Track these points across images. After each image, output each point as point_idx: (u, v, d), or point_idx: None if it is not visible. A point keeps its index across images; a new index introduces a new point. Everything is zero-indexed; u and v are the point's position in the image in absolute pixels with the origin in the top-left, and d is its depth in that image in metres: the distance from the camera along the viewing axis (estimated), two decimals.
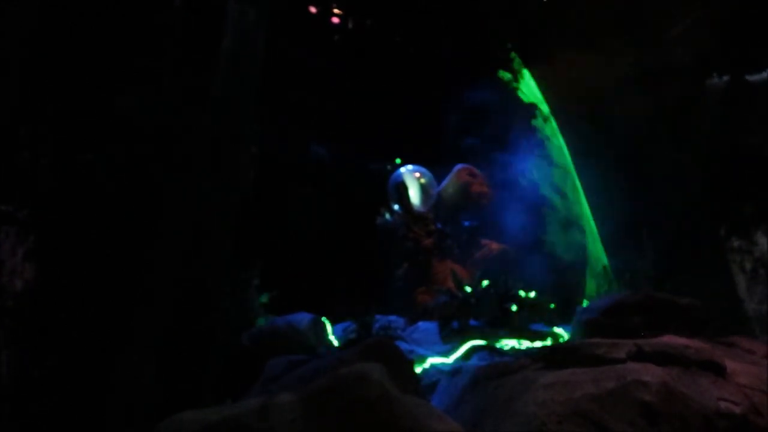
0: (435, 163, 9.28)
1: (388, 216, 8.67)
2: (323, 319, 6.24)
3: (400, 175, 8.98)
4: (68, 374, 3.55)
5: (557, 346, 4.41)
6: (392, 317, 6.70)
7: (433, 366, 5.15)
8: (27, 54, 3.72)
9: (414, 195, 8.85)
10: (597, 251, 8.47)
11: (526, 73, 9.47)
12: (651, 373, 3.27)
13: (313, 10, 9.46)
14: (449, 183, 9.25)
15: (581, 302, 7.28)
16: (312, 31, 9.44)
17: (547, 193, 9.17)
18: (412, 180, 8.96)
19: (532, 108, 9.42)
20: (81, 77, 3.85)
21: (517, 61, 9.44)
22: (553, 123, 9.15)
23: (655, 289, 5.84)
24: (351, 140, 9.20)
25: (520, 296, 6.39)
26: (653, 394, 3.15)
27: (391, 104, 9.32)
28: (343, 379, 2.85)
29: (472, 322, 6.11)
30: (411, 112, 9.33)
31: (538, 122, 9.40)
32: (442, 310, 6.48)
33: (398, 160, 9.61)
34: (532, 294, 6.66)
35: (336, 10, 9.58)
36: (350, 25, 9.71)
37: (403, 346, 5.29)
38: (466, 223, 8.71)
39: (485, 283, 6.61)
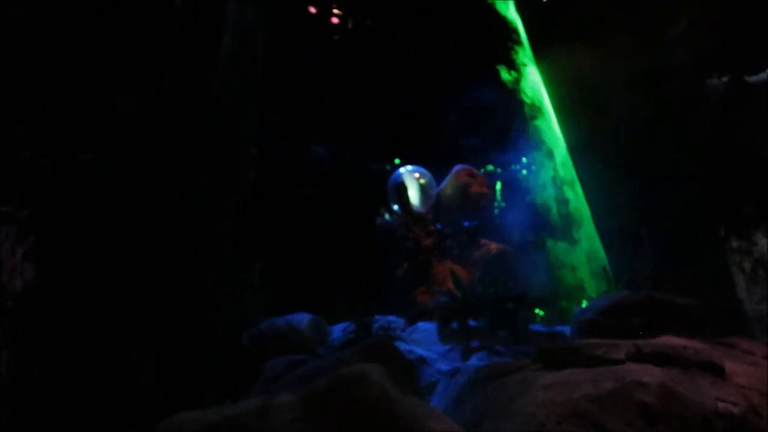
0: (435, 164, 9.28)
1: (387, 216, 8.67)
2: (323, 319, 6.24)
3: (400, 176, 8.99)
4: (68, 374, 3.54)
5: (556, 347, 4.41)
6: (392, 317, 6.70)
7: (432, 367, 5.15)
8: (27, 54, 3.72)
9: (413, 195, 8.86)
10: (596, 251, 8.48)
11: (527, 72, 9.48)
12: (650, 374, 3.28)
13: (313, 10, 9.47)
14: (448, 184, 9.25)
15: (580, 302, 7.28)
16: (312, 31, 9.44)
17: (546, 193, 9.18)
18: (412, 180, 8.96)
19: (532, 108, 9.43)
20: (81, 77, 3.84)
21: (519, 59, 9.45)
22: (555, 122, 9.16)
23: (654, 290, 5.84)
24: (351, 140, 9.20)
25: (520, 296, 6.39)
26: (652, 395, 3.15)
27: (391, 104, 9.32)
28: (343, 379, 2.86)
29: (472, 322, 6.11)
30: (411, 112, 9.33)
31: (538, 122, 9.41)
32: (441, 311, 6.48)
33: (397, 161, 9.62)
34: (532, 294, 6.66)
35: (336, 11, 9.59)
36: (350, 26, 9.72)
37: (403, 346, 5.29)
38: (466, 224, 8.72)
39: (485, 283, 6.61)
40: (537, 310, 6.82)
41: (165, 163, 4.13)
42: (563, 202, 9.05)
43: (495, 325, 6.04)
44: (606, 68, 7.47)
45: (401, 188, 8.80)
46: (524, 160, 9.58)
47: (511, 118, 9.36)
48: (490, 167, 9.80)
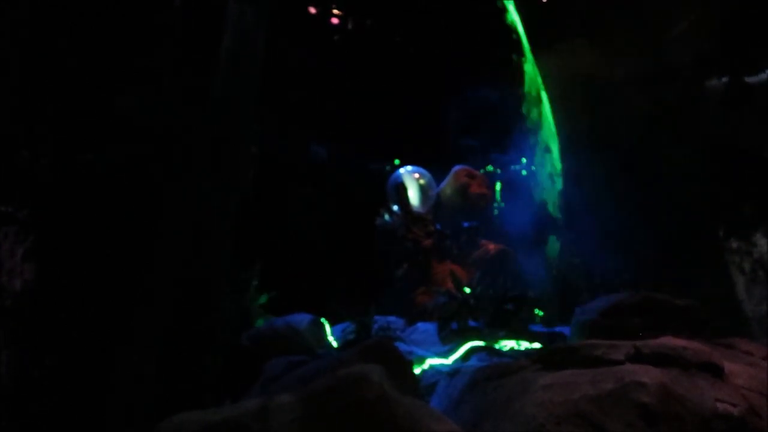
0: (435, 164, 9.29)
1: (387, 217, 8.67)
2: (322, 319, 6.24)
3: (400, 176, 8.99)
4: (68, 374, 3.54)
5: (556, 347, 4.41)
6: (391, 318, 6.70)
7: (432, 367, 5.16)
8: (27, 54, 3.72)
9: (413, 196, 8.86)
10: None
11: (527, 72, 9.48)
12: (649, 375, 3.28)
13: (312, 10, 9.47)
14: (447, 184, 9.25)
15: (580, 303, 7.28)
16: (312, 31, 9.44)
17: (546, 194, 9.18)
18: (412, 181, 8.97)
19: (532, 107, 9.44)
20: (81, 77, 3.84)
21: (518, 59, 9.45)
22: (555, 122, 9.16)
23: (653, 290, 5.84)
24: (351, 140, 9.21)
25: (519, 297, 6.40)
26: (651, 396, 3.15)
27: (391, 104, 9.33)
28: (343, 380, 2.86)
29: (471, 322, 6.11)
30: (411, 112, 9.34)
31: (538, 122, 9.41)
32: (441, 311, 6.49)
33: (397, 161, 9.62)
34: (531, 295, 6.67)
35: (336, 11, 9.59)
36: (350, 26, 9.72)
37: (402, 346, 5.29)
38: (466, 224, 8.72)
39: (484, 283, 6.61)
40: (537, 311, 6.83)
41: (165, 163, 4.12)
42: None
43: (495, 326, 6.04)
44: (606, 68, 7.47)
45: (401, 189, 8.80)
46: (524, 160, 9.59)
47: (510, 118, 9.36)
48: (490, 168, 9.81)
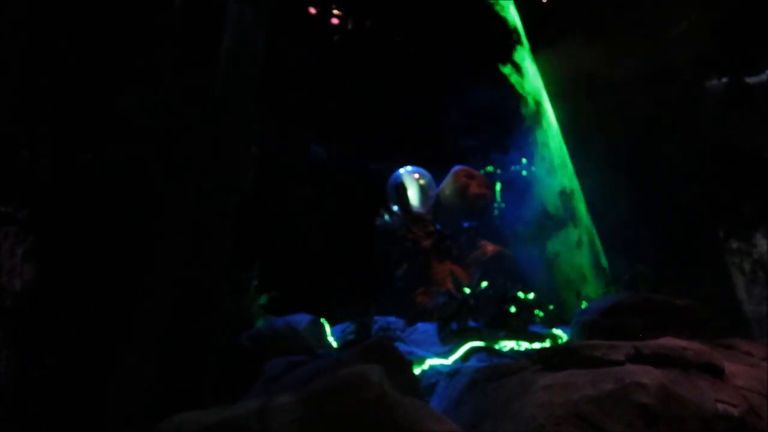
0: (434, 164, 9.28)
1: (387, 217, 8.67)
2: (322, 319, 6.24)
3: (400, 176, 8.98)
4: (68, 374, 3.55)
5: (556, 348, 4.41)
6: (391, 318, 6.69)
7: (432, 367, 5.15)
8: (27, 54, 3.72)
9: (413, 196, 8.85)
10: (596, 252, 8.48)
11: (527, 72, 9.47)
12: (649, 375, 3.28)
13: (312, 10, 9.47)
14: (447, 184, 9.24)
15: (580, 303, 7.29)
16: (312, 31, 9.44)
17: (546, 194, 9.18)
18: (412, 181, 8.96)
19: (532, 107, 9.43)
20: (81, 77, 3.84)
21: (518, 59, 9.45)
22: (555, 122, 9.16)
23: (653, 291, 5.85)
24: (351, 140, 9.20)
25: (519, 297, 6.39)
26: (651, 397, 3.15)
27: (391, 104, 9.32)
28: (343, 380, 2.86)
29: (471, 323, 6.11)
30: (411, 112, 9.33)
31: (538, 122, 9.41)
32: (441, 311, 6.48)
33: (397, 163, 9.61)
34: (531, 295, 6.66)
35: (336, 11, 9.59)
36: (350, 26, 9.72)
37: (402, 347, 5.29)
38: (466, 224, 8.72)
39: (484, 284, 6.60)
40: (536, 311, 6.82)
41: (165, 163, 4.13)
42: (563, 202, 9.05)
43: (494, 326, 6.04)
44: (606, 68, 7.47)
45: (401, 189, 8.80)
46: (524, 160, 9.58)
47: (510, 118, 9.36)
48: (490, 168, 9.80)
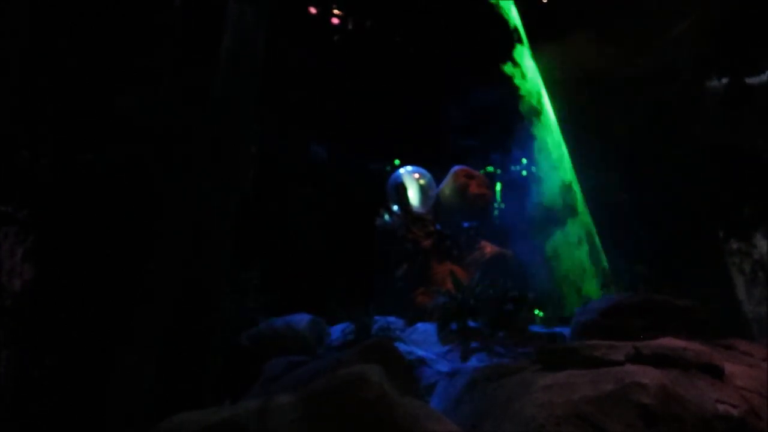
0: (434, 164, 9.28)
1: (387, 217, 8.67)
2: (322, 319, 6.24)
3: (400, 176, 8.98)
4: (68, 374, 3.55)
5: (556, 348, 4.41)
6: (391, 318, 6.69)
7: (431, 367, 5.15)
8: (27, 54, 3.72)
9: (413, 196, 8.85)
10: (596, 252, 8.48)
11: (527, 72, 9.48)
12: (649, 376, 3.28)
13: (312, 10, 9.47)
14: (446, 184, 9.24)
15: (581, 301, 7.29)
16: (312, 31, 9.44)
17: (546, 194, 9.18)
18: (412, 181, 8.96)
19: (532, 107, 9.44)
20: (81, 77, 3.84)
21: (519, 59, 9.45)
22: (555, 122, 9.17)
23: (653, 291, 5.84)
24: (351, 140, 9.20)
25: (519, 297, 6.39)
26: (651, 397, 3.15)
27: (391, 104, 9.32)
28: (342, 380, 2.86)
29: (471, 323, 6.10)
30: (411, 112, 9.34)
31: (538, 121, 9.41)
32: (440, 312, 6.48)
33: (397, 161, 9.62)
34: (531, 295, 6.66)
35: (336, 11, 9.59)
36: (350, 26, 9.72)
37: (402, 347, 5.29)
38: (466, 225, 8.72)
39: (484, 284, 6.60)
40: (536, 311, 6.82)
41: (165, 163, 4.12)
42: (563, 202, 9.06)
43: (494, 326, 6.03)
44: (606, 68, 7.47)
45: (401, 189, 8.80)
46: (524, 160, 9.59)
47: (511, 118, 9.36)
48: (490, 168, 9.80)
